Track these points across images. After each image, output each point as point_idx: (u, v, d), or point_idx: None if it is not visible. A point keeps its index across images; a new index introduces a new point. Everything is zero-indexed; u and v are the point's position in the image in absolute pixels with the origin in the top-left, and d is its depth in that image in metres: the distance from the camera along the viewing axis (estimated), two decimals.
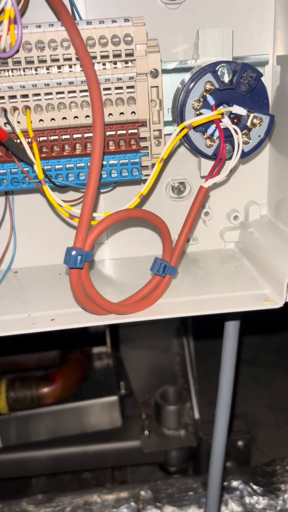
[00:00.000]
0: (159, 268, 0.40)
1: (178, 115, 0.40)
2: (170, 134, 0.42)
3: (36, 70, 0.36)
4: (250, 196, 0.51)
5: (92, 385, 1.02)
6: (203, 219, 0.50)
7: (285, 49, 0.43)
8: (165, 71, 0.42)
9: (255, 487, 0.90)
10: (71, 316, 0.39)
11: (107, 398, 1.00)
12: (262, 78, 0.44)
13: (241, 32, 0.43)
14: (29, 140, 0.37)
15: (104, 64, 0.37)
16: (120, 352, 1.12)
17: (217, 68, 0.38)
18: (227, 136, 0.40)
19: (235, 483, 0.91)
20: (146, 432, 1.02)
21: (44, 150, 0.39)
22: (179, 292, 0.43)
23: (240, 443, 1.04)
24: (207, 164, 0.43)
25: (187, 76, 0.41)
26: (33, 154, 0.37)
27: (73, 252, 0.34)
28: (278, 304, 0.41)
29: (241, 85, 0.38)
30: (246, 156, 0.41)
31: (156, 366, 1.12)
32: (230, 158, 0.40)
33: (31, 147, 0.37)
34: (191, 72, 0.40)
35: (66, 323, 0.39)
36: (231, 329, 0.52)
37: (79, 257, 0.34)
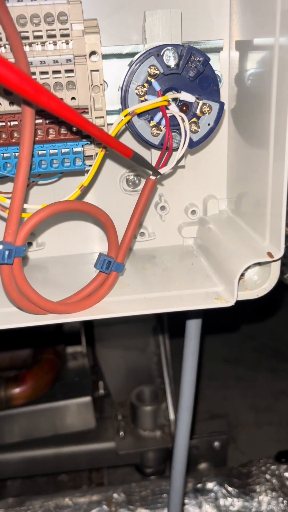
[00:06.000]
0: (103, 265, 0.37)
1: (122, 101, 0.37)
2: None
3: None
4: (208, 190, 0.48)
5: (65, 385, 0.99)
6: (160, 214, 0.48)
7: (242, 34, 0.41)
8: (119, 56, 0.39)
9: (230, 488, 0.89)
10: (6, 316, 0.37)
11: (81, 398, 0.98)
12: (217, 65, 0.42)
13: (195, 15, 0.41)
14: None
15: (42, 44, 0.34)
16: (95, 351, 1.10)
17: (162, 52, 0.36)
18: (175, 124, 0.37)
19: (210, 485, 0.89)
20: (122, 433, 1.00)
21: None
22: (127, 290, 0.41)
23: (216, 443, 1.02)
24: (158, 155, 0.41)
25: (134, 59, 0.38)
26: None
27: (0, 247, 0.31)
28: (230, 302, 0.39)
29: (188, 70, 0.36)
30: (195, 145, 0.38)
31: (133, 366, 1.10)
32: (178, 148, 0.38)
33: None
34: (137, 56, 0.38)
35: (1, 323, 0.36)
36: (192, 328, 0.50)
37: (7, 252, 0.31)
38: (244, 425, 1.27)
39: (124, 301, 0.39)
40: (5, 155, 0.37)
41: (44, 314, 0.37)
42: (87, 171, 0.38)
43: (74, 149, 0.37)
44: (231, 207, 0.48)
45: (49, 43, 0.34)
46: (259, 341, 1.56)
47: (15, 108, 0.36)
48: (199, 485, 0.88)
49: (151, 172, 0.46)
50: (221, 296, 0.39)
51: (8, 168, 0.37)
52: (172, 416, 1.01)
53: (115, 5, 0.40)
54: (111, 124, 0.37)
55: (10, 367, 1.00)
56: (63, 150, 0.37)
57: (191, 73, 0.36)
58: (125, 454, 0.98)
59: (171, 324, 1.08)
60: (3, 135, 0.37)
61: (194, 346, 0.52)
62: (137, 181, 0.47)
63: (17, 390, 0.93)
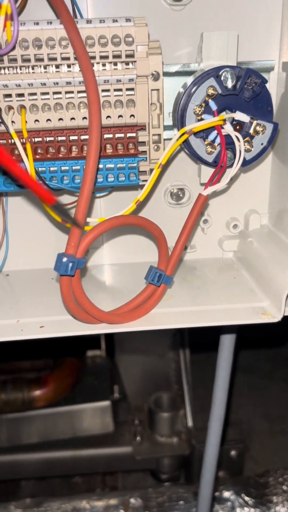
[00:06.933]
0: (154, 277, 0.38)
1: (179, 120, 0.38)
2: (170, 139, 0.41)
3: (32, 68, 0.35)
4: (250, 204, 0.49)
5: (85, 389, 1.00)
6: (202, 227, 0.49)
7: None
8: (167, 74, 0.40)
9: (246, 498, 0.89)
10: (61, 324, 0.38)
11: (100, 402, 0.99)
12: (267, 85, 0.43)
13: (247, 36, 0.42)
14: (23, 140, 0.36)
15: (103, 65, 0.35)
16: (115, 356, 1.11)
17: (220, 73, 0.37)
18: (228, 143, 0.38)
19: (226, 494, 0.90)
20: (139, 438, 1.01)
21: (39, 151, 0.38)
22: (174, 302, 0.42)
23: (233, 452, 1.03)
24: (207, 171, 0.42)
25: (189, 80, 0.39)
26: (27, 155, 0.35)
27: (64, 259, 0.32)
28: (276, 318, 0.39)
29: (244, 91, 0.37)
30: (247, 164, 0.39)
31: (151, 371, 1.10)
32: (231, 165, 0.39)
33: (25, 148, 0.36)
34: (193, 76, 0.39)
35: (55, 331, 0.37)
36: (227, 343, 0.51)
37: (70, 264, 0.32)
38: (257, 434, 1.27)
39: (172, 313, 0.40)
40: (63, 168, 0.38)
41: (96, 324, 0.38)
42: (141, 186, 0.39)
43: (130, 165, 0.39)
44: (272, 222, 0.49)
45: (114, 63, 0.35)
46: (273, 350, 1.55)
47: (75, 123, 0.37)
48: (216, 494, 0.89)
49: (196, 186, 0.47)
50: (267, 311, 0.40)
51: (65, 181, 0.39)
52: (190, 423, 1.01)
53: (165, 25, 0.41)
54: (168, 139, 0.38)
55: (31, 369, 1.01)
56: (119, 165, 0.39)
57: (247, 94, 0.37)
58: (142, 459, 0.99)
59: (191, 331, 1.09)
60: (62, 149, 0.38)
61: (227, 360, 0.52)
62: (181, 195, 0.48)
63: (38, 392, 0.94)
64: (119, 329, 0.38)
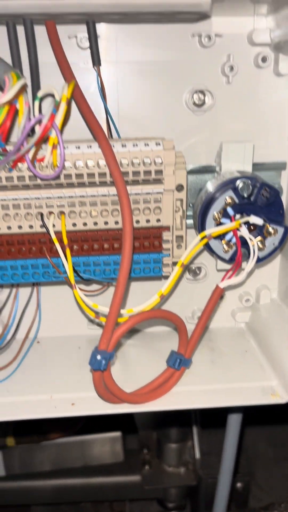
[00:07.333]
0: (175, 362, 0.43)
1: (199, 223, 0.43)
2: (190, 227, 0.46)
3: (72, 184, 0.39)
4: (262, 280, 0.53)
5: (96, 419, 1.04)
6: (218, 302, 0.53)
7: None
8: (188, 172, 0.45)
9: None
10: (89, 402, 0.42)
11: (111, 433, 1.02)
12: (279, 178, 0.47)
13: (262, 140, 0.47)
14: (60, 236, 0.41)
15: (135, 180, 0.40)
16: None
17: (237, 184, 0.41)
18: (243, 242, 0.43)
19: None
20: (147, 467, 1.04)
21: (75, 248, 0.42)
22: (190, 380, 0.46)
23: (239, 485, 1.06)
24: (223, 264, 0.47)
25: (209, 185, 0.44)
26: (65, 256, 0.40)
27: (98, 357, 0.37)
28: (284, 399, 0.43)
29: (259, 200, 0.41)
30: (260, 261, 0.44)
31: None
32: (245, 260, 0.43)
33: (64, 251, 0.40)
34: (212, 183, 0.44)
35: (85, 410, 0.42)
36: (234, 422, 0.54)
37: (104, 361, 0.37)
38: (262, 459, 1.29)
39: (189, 392, 0.44)
40: (95, 262, 0.43)
41: (121, 404, 0.42)
42: (164, 276, 0.44)
43: (154, 259, 0.43)
44: (281, 296, 0.53)
45: (144, 180, 0.40)
46: None
47: (108, 227, 0.42)
48: None
49: (212, 265, 0.51)
50: (275, 391, 0.44)
51: (96, 273, 0.43)
52: (197, 455, 1.05)
53: (187, 127, 0.46)
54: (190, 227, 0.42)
55: None
56: (144, 259, 0.43)
57: (261, 202, 0.41)
58: (150, 489, 1.02)
59: None
60: (96, 246, 0.43)
61: (234, 439, 0.55)
62: (198, 272, 0.52)
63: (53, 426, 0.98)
64: (141, 409, 0.42)
